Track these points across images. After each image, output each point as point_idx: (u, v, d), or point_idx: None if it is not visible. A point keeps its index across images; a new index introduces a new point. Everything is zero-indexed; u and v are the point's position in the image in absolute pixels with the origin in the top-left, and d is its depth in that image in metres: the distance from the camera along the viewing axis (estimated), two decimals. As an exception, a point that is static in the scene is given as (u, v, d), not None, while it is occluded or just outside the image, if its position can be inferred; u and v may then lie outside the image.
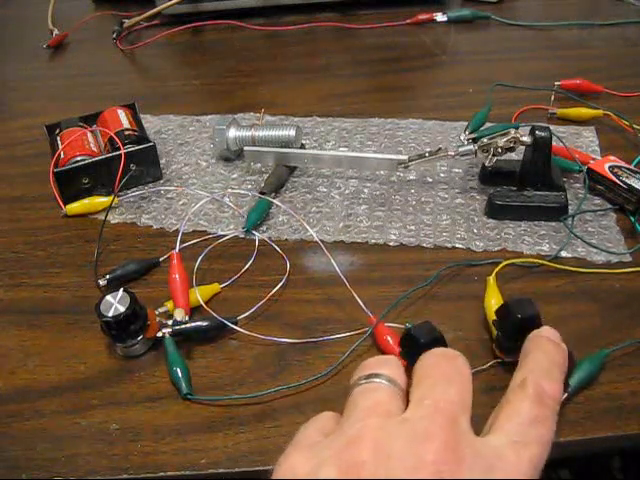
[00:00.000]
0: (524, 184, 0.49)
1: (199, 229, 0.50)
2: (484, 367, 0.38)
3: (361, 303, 0.41)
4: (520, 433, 0.25)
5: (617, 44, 0.77)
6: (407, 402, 0.26)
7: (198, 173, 0.57)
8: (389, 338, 0.39)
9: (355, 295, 0.42)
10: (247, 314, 0.42)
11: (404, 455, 0.23)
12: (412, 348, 0.36)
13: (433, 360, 0.27)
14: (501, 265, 0.44)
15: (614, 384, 0.37)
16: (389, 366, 0.27)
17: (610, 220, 0.49)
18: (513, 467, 0.24)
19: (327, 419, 0.26)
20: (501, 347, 0.39)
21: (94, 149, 0.54)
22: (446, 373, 0.26)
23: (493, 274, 0.43)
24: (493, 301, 0.41)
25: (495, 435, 0.25)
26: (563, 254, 0.46)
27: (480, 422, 0.36)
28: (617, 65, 0.72)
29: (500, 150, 0.48)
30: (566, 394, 0.36)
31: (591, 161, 0.53)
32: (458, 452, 0.23)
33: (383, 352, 0.39)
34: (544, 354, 0.29)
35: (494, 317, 0.39)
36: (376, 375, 0.27)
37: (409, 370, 0.28)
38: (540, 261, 0.45)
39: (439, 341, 0.36)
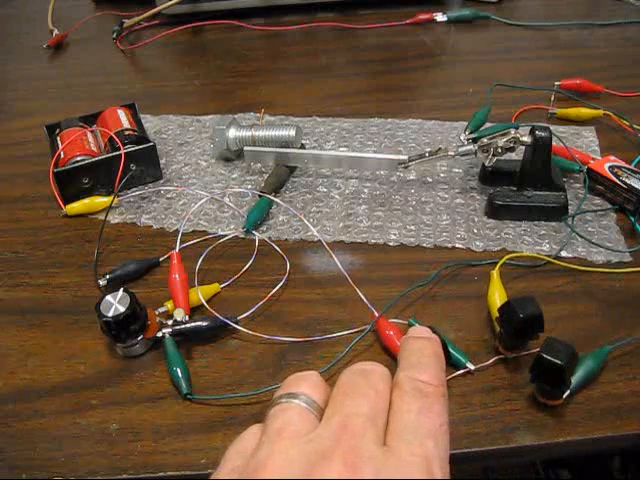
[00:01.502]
0: (524, 184, 0.49)
1: (199, 229, 0.50)
2: (486, 364, 0.38)
3: (364, 298, 0.41)
4: (410, 432, 0.25)
5: (617, 44, 0.77)
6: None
7: (198, 173, 0.57)
8: (392, 333, 0.39)
9: (359, 292, 0.42)
10: (247, 314, 0.42)
11: (305, 476, 0.23)
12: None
13: (348, 376, 0.27)
14: (504, 259, 0.44)
15: (614, 384, 0.37)
16: (307, 383, 0.27)
17: (610, 220, 0.49)
18: (414, 470, 0.23)
19: (249, 438, 0.26)
20: (504, 344, 0.39)
21: (94, 149, 0.54)
22: (359, 387, 0.26)
23: (496, 268, 0.43)
24: (497, 296, 0.41)
25: (391, 441, 0.25)
26: (563, 254, 0.46)
27: (480, 423, 0.36)
28: (617, 65, 0.72)
29: (500, 150, 0.48)
30: (568, 391, 0.36)
31: (591, 161, 0.53)
32: (358, 468, 0.23)
33: (387, 347, 0.39)
34: (410, 352, 0.29)
35: (497, 314, 0.39)
36: (292, 395, 0.26)
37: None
38: (542, 256, 0.45)
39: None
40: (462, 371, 0.38)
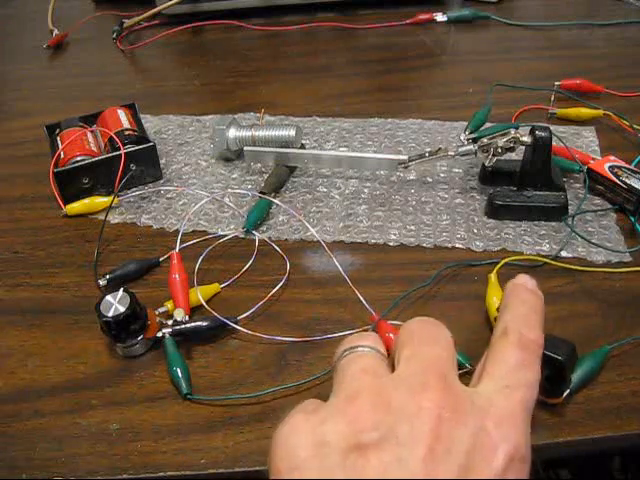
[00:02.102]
0: (524, 184, 0.49)
1: (199, 229, 0.50)
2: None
3: (363, 300, 0.41)
4: (508, 378, 0.26)
5: (617, 44, 0.77)
6: (392, 368, 0.27)
7: (198, 173, 0.57)
8: (392, 335, 0.39)
9: (357, 293, 0.42)
10: (247, 314, 0.42)
11: (404, 404, 0.24)
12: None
13: (416, 324, 0.28)
14: (502, 262, 0.44)
15: (614, 384, 0.37)
16: (370, 338, 0.28)
17: (610, 220, 0.49)
18: (505, 410, 0.24)
19: (309, 403, 0.26)
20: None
21: (94, 149, 0.54)
22: (431, 334, 0.27)
23: (494, 271, 0.43)
24: (495, 298, 0.41)
25: (485, 383, 0.26)
26: (563, 254, 0.46)
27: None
28: (617, 65, 0.72)
29: (500, 150, 0.48)
30: (567, 390, 0.36)
31: (591, 161, 0.53)
32: (455, 399, 0.24)
33: (386, 349, 0.39)
34: (522, 303, 0.30)
35: (496, 314, 0.39)
36: (357, 346, 0.27)
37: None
38: (541, 259, 0.45)
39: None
40: (461, 371, 0.38)
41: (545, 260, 0.45)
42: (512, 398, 0.25)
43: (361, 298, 0.41)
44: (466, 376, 0.38)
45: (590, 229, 0.48)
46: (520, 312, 0.29)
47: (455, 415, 0.23)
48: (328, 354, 0.40)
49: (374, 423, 0.23)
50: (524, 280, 0.31)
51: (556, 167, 0.50)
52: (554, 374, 0.34)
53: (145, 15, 0.83)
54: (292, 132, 0.55)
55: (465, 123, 0.56)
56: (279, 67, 0.77)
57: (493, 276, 0.43)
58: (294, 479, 0.23)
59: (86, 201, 0.53)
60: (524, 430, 0.25)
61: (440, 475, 0.22)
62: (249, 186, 0.55)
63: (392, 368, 0.27)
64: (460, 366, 0.38)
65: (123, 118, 0.57)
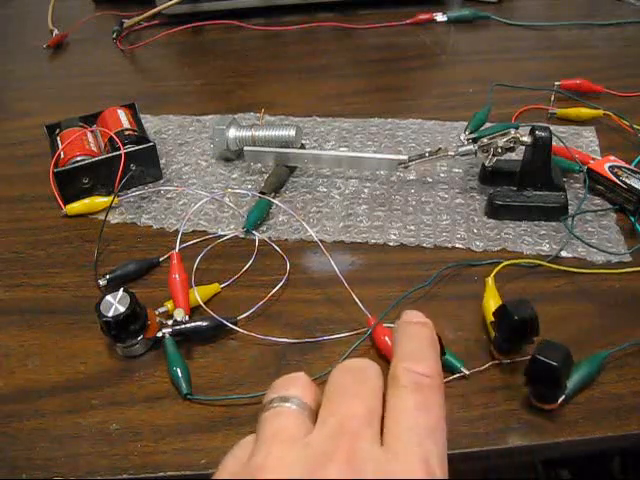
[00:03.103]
0: (524, 184, 0.49)
1: (199, 229, 0.50)
2: (481, 369, 0.38)
3: (360, 304, 0.41)
4: (408, 431, 0.24)
5: (617, 44, 0.77)
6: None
7: (198, 173, 0.57)
8: (387, 339, 0.39)
9: (354, 296, 0.42)
10: (247, 314, 0.42)
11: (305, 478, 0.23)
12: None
13: (339, 376, 0.27)
14: (500, 266, 0.44)
15: (614, 384, 0.37)
16: (297, 386, 0.27)
17: (610, 220, 0.49)
18: (414, 470, 0.23)
19: (246, 444, 0.26)
20: (499, 348, 0.39)
21: (94, 149, 0.54)
22: (352, 387, 0.26)
23: (492, 275, 0.43)
24: (491, 302, 0.41)
25: (387, 441, 0.24)
26: (563, 254, 0.46)
27: (479, 423, 0.36)
28: (617, 65, 0.72)
29: (500, 150, 0.48)
30: (563, 396, 0.36)
31: (591, 161, 0.53)
32: (358, 470, 0.23)
33: (382, 353, 0.39)
34: (408, 339, 0.28)
35: (492, 318, 0.39)
36: (284, 398, 0.26)
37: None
38: (539, 262, 0.45)
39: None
40: (457, 375, 0.38)
41: (542, 262, 0.45)
42: (413, 458, 0.23)
43: (357, 301, 0.41)
44: (462, 381, 0.38)
45: (590, 229, 0.48)
46: (406, 349, 0.27)
47: None
48: (328, 354, 0.40)
49: None
50: (408, 316, 0.29)
51: (556, 167, 0.50)
52: (549, 379, 0.34)
53: (145, 15, 0.83)
54: (292, 132, 0.55)
55: (465, 123, 0.56)
56: (279, 67, 0.77)
57: (490, 280, 0.43)
58: None
59: (86, 201, 0.53)
60: None
61: None
62: (249, 186, 0.55)
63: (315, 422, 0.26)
64: (454, 371, 0.38)
65: (123, 118, 0.57)
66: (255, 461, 0.24)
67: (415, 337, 0.28)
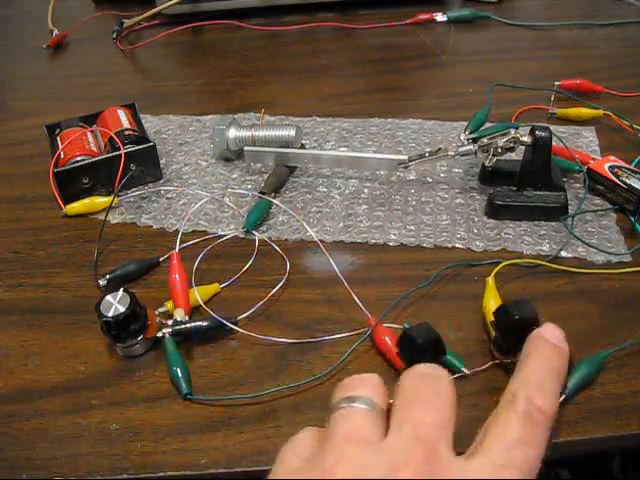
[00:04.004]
0: (524, 184, 0.49)
1: (199, 229, 0.50)
2: (482, 368, 0.38)
3: (360, 304, 0.41)
4: (504, 457, 0.24)
5: (617, 44, 0.77)
6: (388, 422, 0.26)
7: (198, 173, 0.57)
8: (387, 339, 0.39)
9: (354, 296, 0.42)
10: (247, 314, 0.42)
11: None
12: (410, 349, 0.36)
13: (414, 382, 0.27)
14: (500, 266, 0.44)
15: (614, 384, 0.37)
16: (369, 386, 0.26)
17: (610, 220, 0.49)
18: None
19: (305, 441, 0.25)
20: (499, 348, 0.38)
21: (94, 149, 0.54)
22: (427, 396, 0.26)
23: (492, 275, 0.43)
24: (491, 302, 0.41)
25: (478, 458, 0.24)
26: (563, 254, 0.46)
27: (478, 424, 0.36)
28: (617, 65, 0.72)
29: (500, 150, 0.48)
30: (563, 396, 0.36)
31: (591, 161, 0.53)
32: (438, 476, 0.22)
33: (382, 353, 0.39)
34: (542, 361, 0.28)
35: (492, 318, 0.39)
36: (354, 398, 0.26)
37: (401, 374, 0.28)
38: (539, 262, 0.45)
39: (437, 342, 0.36)
40: (457, 375, 0.38)
41: (542, 262, 0.45)
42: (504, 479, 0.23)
43: (357, 301, 0.41)
44: (462, 381, 0.38)
45: (590, 229, 0.48)
46: (536, 373, 0.27)
47: None
48: (328, 354, 0.40)
49: None
50: (550, 332, 0.29)
51: (556, 167, 0.50)
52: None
53: (145, 15, 0.83)
54: (292, 132, 0.55)
55: (465, 123, 0.56)
56: (279, 67, 0.77)
57: (490, 279, 0.43)
58: None
59: (86, 201, 0.53)
60: None
61: None
62: (249, 186, 0.55)
63: (388, 425, 0.25)
64: (455, 371, 0.38)
65: (123, 118, 0.57)
66: (326, 461, 0.23)
67: (548, 365, 0.28)
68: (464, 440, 0.35)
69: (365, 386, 0.27)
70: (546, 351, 0.28)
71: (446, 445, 0.24)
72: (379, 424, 0.25)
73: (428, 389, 0.26)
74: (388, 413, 0.26)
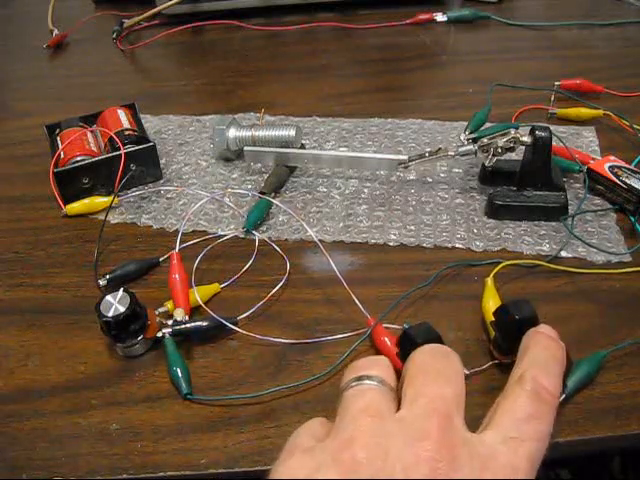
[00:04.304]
0: (524, 184, 0.49)
1: (199, 229, 0.50)
2: (481, 368, 0.38)
3: (359, 304, 0.41)
4: (516, 429, 0.25)
5: (617, 44, 0.77)
6: (398, 402, 0.26)
7: (198, 173, 0.57)
8: (387, 339, 0.39)
9: (353, 296, 0.42)
10: (247, 314, 0.42)
11: (400, 453, 0.23)
12: (409, 349, 0.36)
13: (425, 358, 0.27)
14: (500, 266, 0.44)
15: (614, 384, 0.37)
16: (379, 367, 0.27)
17: (610, 220, 0.49)
18: (508, 464, 0.23)
19: (318, 424, 0.26)
20: (499, 348, 0.38)
21: (94, 149, 0.54)
22: (439, 370, 0.26)
23: (491, 276, 0.43)
24: (491, 302, 0.41)
25: (491, 431, 0.25)
26: (563, 254, 0.46)
27: (479, 424, 0.36)
28: (617, 65, 0.72)
29: (500, 150, 0.48)
30: (563, 395, 0.36)
31: (591, 161, 0.53)
32: (454, 450, 0.23)
33: (381, 353, 0.39)
34: (543, 349, 0.29)
35: (492, 318, 0.39)
36: (366, 377, 0.26)
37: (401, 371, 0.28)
38: (539, 262, 0.45)
39: (437, 342, 0.36)
40: None
41: (542, 262, 0.45)
42: (517, 452, 0.24)
43: (357, 301, 0.41)
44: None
45: (590, 229, 0.48)
46: (540, 358, 0.28)
47: (452, 467, 0.22)
48: (328, 354, 0.40)
49: (369, 474, 0.22)
50: (546, 329, 0.31)
51: (556, 167, 0.50)
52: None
53: (145, 15, 0.83)
54: (292, 132, 0.55)
55: (465, 123, 0.56)
56: (279, 67, 0.77)
57: (490, 280, 0.43)
58: None
59: (86, 201, 0.53)
60: None
61: None
62: (249, 186, 0.55)
63: (399, 402, 0.26)
64: None
65: (123, 118, 0.57)
66: (341, 436, 0.24)
67: (550, 353, 0.29)
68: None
69: (375, 366, 0.27)
70: (546, 342, 0.30)
71: (460, 417, 0.25)
72: (391, 400, 0.26)
73: (438, 364, 0.27)
74: (397, 393, 0.26)
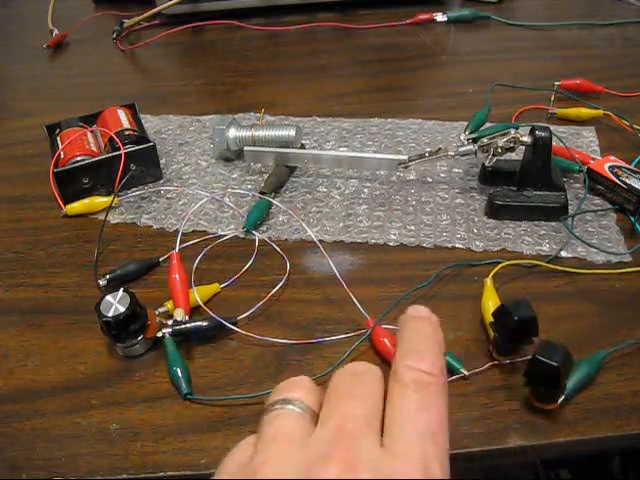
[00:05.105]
0: (524, 184, 0.49)
1: (199, 229, 0.50)
2: (481, 369, 0.38)
3: (358, 305, 0.41)
4: (408, 432, 0.24)
5: (617, 44, 0.77)
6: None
7: (198, 173, 0.57)
8: (386, 340, 0.39)
9: (352, 297, 0.42)
10: (247, 314, 0.42)
11: (303, 478, 0.23)
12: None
13: (340, 379, 0.27)
14: (500, 266, 0.44)
15: (614, 384, 0.37)
16: (300, 389, 0.27)
17: (610, 220, 0.49)
18: (413, 471, 0.23)
19: (245, 448, 0.26)
20: (498, 349, 0.38)
21: (94, 149, 0.54)
22: (350, 390, 0.26)
23: (490, 276, 0.43)
24: (490, 303, 0.41)
25: (388, 441, 0.24)
26: (563, 254, 0.46)
27: (479, 423, 0.36)
28: (617, 65, 0.72)
29: (500, 150, 0.48)
30: (563, 396, 0.36)
31: (591, 161, 0.53)
32: (356, 470, 0.22)
33: (381, 354, 0.39)
34: (408, 335, 0.28)
35: (491, 319, 0.39)
36: (286, 401, 0.26)
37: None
38: (539, 262, 0.45)
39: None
40: (456, 376, 0.38)
41: (542, 263, 0.45)
42: (412, 459, 0.23)
43: (356, 302, 0.41)
44: (462, 381, 0.38)
45: (590, 229, 0.48)
46: (409, 345, 0.27)
47: None
48: (328, 354, 0.40)
49: None
50: (413, 311, 0.29)
51: (556, 167, 0.50)
52: (549, 380, 0.34)
53: (145, 15, 0.83)
54: (292, 132, 0.55)
55: (465, 123, 0.56)
56: (279, 67, 0.77)
57: (489, 280, 0.43)
58: None
59: (86, 201, 0.53)
60: None
61: None
62: (249, 186, 0.55)
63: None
64: (454, 372, 0.38)
65: (123, 118, 0.57)
66: (254, 463, 0.24)
67: (419, 333, 0.28)
68: (464, 439, 0.35)
69: (297, 389, 0.27)
70: (413, 324, 0.28)
71: (371, 437, 0.24)
72: (309, 424, 0.25)
73: (354, 383, 0.26)
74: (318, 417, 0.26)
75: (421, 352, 0.26)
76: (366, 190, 0.54)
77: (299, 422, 0.25)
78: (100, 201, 0.52)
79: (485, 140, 0.49)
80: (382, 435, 0.24)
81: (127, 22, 0.85)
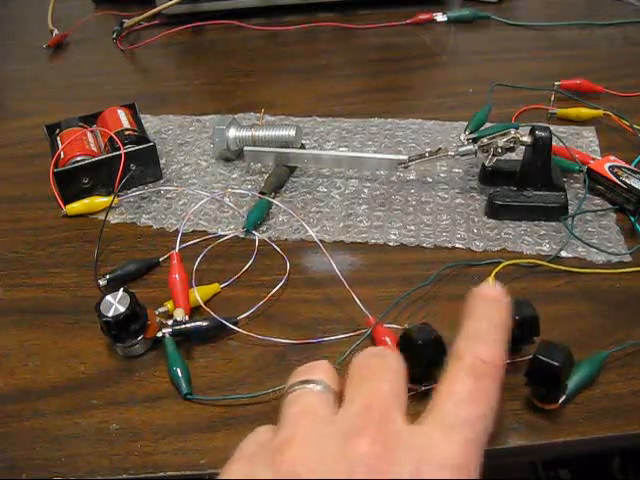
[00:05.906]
0: (524, 184, 0.49)
1: (199, 229, 0.50)
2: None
3: (360, 304, 0.41)
4: (454, 414, 0.24)
5: (617, 44, 0.77)
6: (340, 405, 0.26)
7: (198, 173, 0.57)
8: (387, 339, 0.39)
9: (354, 296, 0.42)
10: (247, 314, 0.42)
11: (337, 451, 0.23)
12: (410, 349, 0.36)
13: (363, 360, 0.27)
14: (500, 266, 0.44)
15: (614, 384, 0.37)
16: (321, 370, 0.27)
17: (610, 220, 0.49)
18: (445, 453, 0.23)
19: (264, 432, 0.26)
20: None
21: (94, 149, 0.54)
22: (376, 370, 0.26)
23: (492, 276, 0.43)
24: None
25: (431, 418, 0.24)
26: (563, 254, 0.46)
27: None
28: (617, 65, 0.72)
29: (500, 150, 0.48)
30: (564, 396, 0.36)
31: (591, 161, 0.53)
32: (388, 446, 0.23)
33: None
34: (481, 317, 0.27)
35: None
36: (307, 381, 0.26)
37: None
38: (539, 262, 0.45)
39: (437, 342, 0.36)
40: None
41: (542, 262, 0.45)
42: (454, 439, 0.23)
43: (357, 301, 0.41)
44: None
45: (590, 229, 0.48)
46: (477, 329, 0.27)
47: (388, 461, 0.22)
48: (328, 354, 0.40)
49: (304, 474, 0.22)
50: (486, 289, 0.28)
51: (556, 167, 0.50)
52: (550, 380, 0.34)
53: (145, 15, 0.83)
54: (292, 132, 0.55)
55: (465, 123, 0.56)
56: (279, 67, 0.77)
57: (491, 280, 0.43)
58: None
59: (86, 201, 0.53)
60: (467, 473, 0.23)
61: None
62: (249, 186, 0.55)
63: (340, 405, 0.26)
64: None
65: (123, 118, 0.57)
66: (280, 438, 0.24)
67: (490, 320, 0.27)
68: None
69: (317, 370, 0.27)
70: (485, 307, 0.28)
71: (398, 411, 0.24)
72: (330, 403, 0.26)
73: (377, 364, 0.26)
74: (341, 396, 0.26)
75: (490, 341, 0.26)
76: (366, 190, 0.54)
77: (322, 400, 0.25)
78: (100, 201, 0.52)
79: (485, 140, 0.49)
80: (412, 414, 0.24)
81: (127, 22, 0.85)
